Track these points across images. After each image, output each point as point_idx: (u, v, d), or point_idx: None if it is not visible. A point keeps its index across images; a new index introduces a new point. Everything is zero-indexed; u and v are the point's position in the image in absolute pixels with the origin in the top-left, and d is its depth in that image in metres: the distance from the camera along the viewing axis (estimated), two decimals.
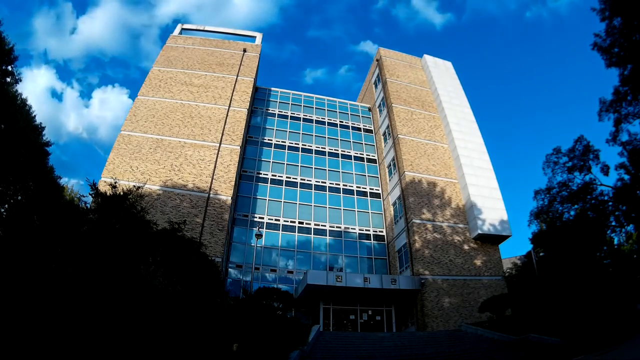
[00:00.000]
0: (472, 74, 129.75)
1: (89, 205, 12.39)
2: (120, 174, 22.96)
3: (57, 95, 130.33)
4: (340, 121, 36.71)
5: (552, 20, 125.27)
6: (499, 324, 17.26)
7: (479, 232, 25.00)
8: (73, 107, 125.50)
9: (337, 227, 29.16)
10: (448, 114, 31.71)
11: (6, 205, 17.26)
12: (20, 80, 20.12)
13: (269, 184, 30.13)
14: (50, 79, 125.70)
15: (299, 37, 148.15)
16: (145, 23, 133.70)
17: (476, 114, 44.09)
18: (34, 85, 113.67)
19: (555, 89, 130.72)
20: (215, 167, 25.87)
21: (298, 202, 29.61)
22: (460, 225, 26.30)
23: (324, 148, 33.87)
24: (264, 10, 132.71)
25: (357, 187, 31.89)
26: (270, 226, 27.96)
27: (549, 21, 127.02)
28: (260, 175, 30.52)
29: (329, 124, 36.22)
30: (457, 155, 29.03)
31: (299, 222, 28.61)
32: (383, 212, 30.75)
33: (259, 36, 37.76)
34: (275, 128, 34.31)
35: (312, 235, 28.30)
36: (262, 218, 28.17)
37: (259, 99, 36.28)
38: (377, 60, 37.70)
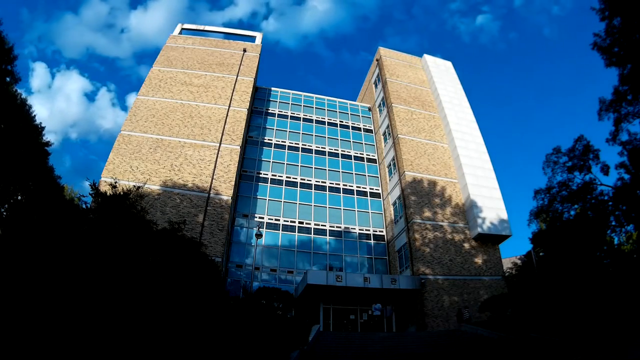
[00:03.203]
0: (473, 74, 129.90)
1: (89, 205, 12.38)
2: (120, 173, 22.95)
3: (89, 95, 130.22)
4: (340, 121, 36.72)
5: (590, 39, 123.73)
6: (499, 324, 17.26)
7: (479, 231, 25.01)
8: (108, 106, 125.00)
9: (337, 227, 29.16)
10: (448, 114, 31.72)
11: (6, 205, 17.24)
12: (20, 80, 20.09)
13: (269, 184, 30.14)
14: (83, 80, 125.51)
15: (369, 46, 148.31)
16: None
17: (476, 113, 44.11)
18: (71, 83, 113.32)
19: (555, 88, 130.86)
20: (215, 167, 25.85)
21: (298, 202, 29.62)
22: (460, 225, 26.31)
23: (324, 148, 33.87)
24: (337, 20, 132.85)
25: (357, 187, 31.89)
26: (270, 226, 27.96)
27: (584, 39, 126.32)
28: (260, 175, 30.52)
29: (329, 123, 36.22)
30: (457, 155, 29.03)
31: (299, 222, 28.61)
32: (383, 212, 30.74)
33: (259, 36, 37.74)
34: (275, 128, 34.31)
35: (312, 235, 28.30)
36: (262, 218, 28.16)
37: (259, 98, 36.28)
38: (377, 60, 37.68)
